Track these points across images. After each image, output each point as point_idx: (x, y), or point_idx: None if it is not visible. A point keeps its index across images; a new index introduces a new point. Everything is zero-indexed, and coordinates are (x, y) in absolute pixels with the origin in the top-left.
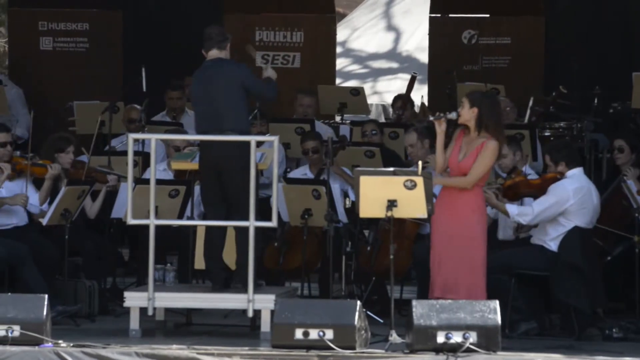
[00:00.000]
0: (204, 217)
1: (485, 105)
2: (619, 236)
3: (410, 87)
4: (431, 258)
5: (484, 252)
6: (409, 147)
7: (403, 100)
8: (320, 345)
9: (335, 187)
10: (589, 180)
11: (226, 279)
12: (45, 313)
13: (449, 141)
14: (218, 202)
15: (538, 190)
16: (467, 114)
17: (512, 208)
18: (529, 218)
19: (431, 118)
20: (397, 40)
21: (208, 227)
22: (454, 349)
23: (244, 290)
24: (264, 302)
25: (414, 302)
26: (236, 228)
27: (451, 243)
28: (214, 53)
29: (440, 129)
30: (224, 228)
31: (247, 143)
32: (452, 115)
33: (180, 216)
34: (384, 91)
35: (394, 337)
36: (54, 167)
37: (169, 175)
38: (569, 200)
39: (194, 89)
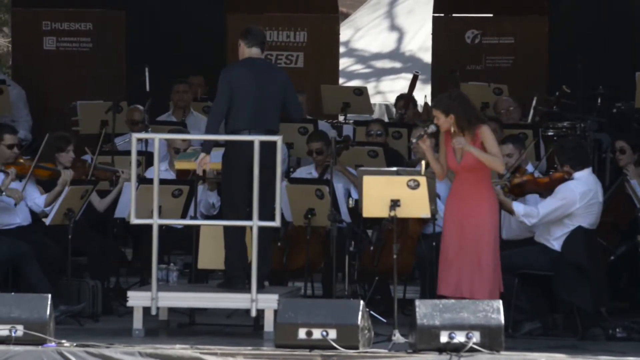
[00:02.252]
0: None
1: (457, 108)
2: (623, 236)
3: (412, 86)
4: (441, 256)
5: (496, 246)
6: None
7: (405, 100)
8: (323, 345)
9: (339, 187)
10: (596, 181)
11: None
12: (48, 313)
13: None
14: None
15: (545, 189)
16: (446, 122)
17: (519, 207)
18: (534, 220)
19: (414, 140)
20: (400, 40)
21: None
22: (457, 348)
23: (248, 290)
24: (267, 302)
25: (417, 302)
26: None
27: (464, 239)
28: (256, 52)
29: (426, 145)
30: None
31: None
32: (432, 129)
33: (184, 216)
34: (387, 91)
35: (397, 337)
36: (66, 173)
37: (171, 175)
38: (575, 204)
39: (242, 81)
